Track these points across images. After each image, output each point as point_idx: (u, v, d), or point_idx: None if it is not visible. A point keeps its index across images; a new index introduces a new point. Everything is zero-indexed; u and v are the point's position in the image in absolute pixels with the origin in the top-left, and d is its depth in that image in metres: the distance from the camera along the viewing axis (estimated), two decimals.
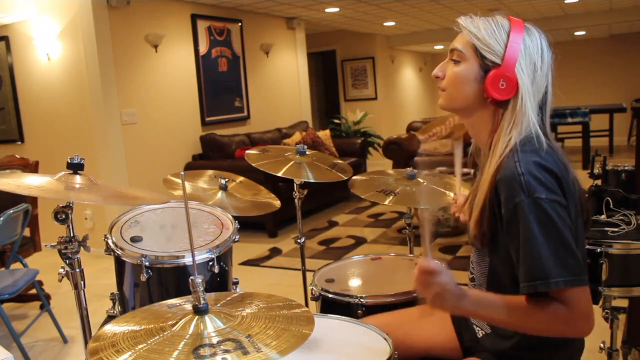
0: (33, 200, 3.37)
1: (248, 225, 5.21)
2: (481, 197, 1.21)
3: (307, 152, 2.32)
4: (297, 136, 6.44)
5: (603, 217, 1.85)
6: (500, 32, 1.21)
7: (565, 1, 7.21)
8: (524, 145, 1.18)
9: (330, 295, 1.71)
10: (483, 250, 1.29)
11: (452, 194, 2.06)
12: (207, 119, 5.79)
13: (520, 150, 1.16)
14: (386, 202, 2.00)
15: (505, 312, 1.14)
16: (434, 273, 1.17)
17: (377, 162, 8.20)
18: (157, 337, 0.94)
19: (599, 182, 2.19)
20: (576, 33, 9.91)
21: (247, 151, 2.30)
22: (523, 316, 1.13)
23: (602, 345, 1.75)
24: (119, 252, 1.64)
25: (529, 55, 1.20)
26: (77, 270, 1.50)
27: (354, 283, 1.86)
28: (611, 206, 1.90)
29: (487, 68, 1.21)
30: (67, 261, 1.48)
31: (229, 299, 1.11)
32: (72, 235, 1.48)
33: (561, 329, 1.12)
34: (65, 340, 3.12)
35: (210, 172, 2.32)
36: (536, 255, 1.09)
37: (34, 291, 3.38)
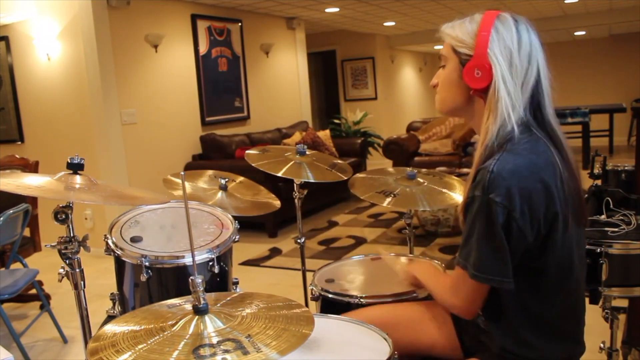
0: (33, 200, 3.37)
1: (248, 225, 5.21)
2: (468, 184, 1.25)
3: (307, 152, 2.31)
4: (297, 136, 6.44)
5: (603, 217, 1.85)
6: (471, 26, 1.25)
7: (565, 1, 7.21)
8: (513, 141, 1.18)
9: (330, 295, 1.71)
10: None
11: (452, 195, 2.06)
12: (207, 119, 5.79)
13: (508, 149, 1.17)
14: (385, 204, 2.00)
15: (432, 278, 1.44)
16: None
17: (377, 162, 8.20)
18: (157, 337, 0.94)
19: (599, 182, 2.19)
20: (576, 33, 9.91)
21: (247, 151, 2.30)
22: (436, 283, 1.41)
23: (602, 345, 1.75)
24: (119, 252, 1.64)
25: (502, 40, 1.20)
26: (77, 270, 1.50)
27: (354, 283, 1.86)
28: (611, 206, 1.90)
29: (464, 62, 1.24)
30: (67, 261, 1.48)
31: (229, 299, 1.11)
32: (72, 235, 1.48)
33: (441, 296, 1.35)
34: (65, 340, 3.12)
35: (210, 172, 2.32)
36: (467, 241, 1.22)
37: (34, 291, 3.38)
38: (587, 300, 1.39)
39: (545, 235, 1.18)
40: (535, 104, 1.23)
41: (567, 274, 1.23)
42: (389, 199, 2.01)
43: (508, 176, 1.14)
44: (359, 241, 4.92)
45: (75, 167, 1.52)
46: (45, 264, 3.36)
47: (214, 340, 0.91)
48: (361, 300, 1.65)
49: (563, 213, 1.18)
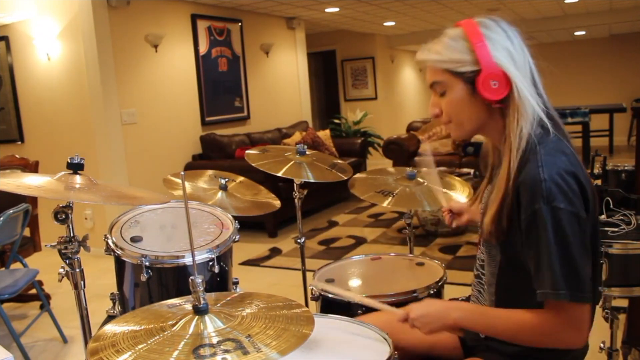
0: (33, 200, 3.37)
1: (248, 225, 5.21)
2: (499, 194, 1.20)
3: (307, 152, 2.31)
4: (297, 136, 6.44)
5: (603, 217, 1.85)
6: (459, 43, 1.20)
7: (565, 1, 7.21)
8: (543, 142, 1.16)
9: (330, 295, 1.71)
10: (495, 249, 1.28)
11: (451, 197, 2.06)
12: (207, 119, 5.79)
13: (544, 152, 1.15)
14: (385, 204, 2.00)
15: (505, 325, 1.20)
16: (409, 318, 1.27)
17: (377, 162, 8.20)
18: (157, 337, 0.94)
19: (599, 182, 2.19)
20: (576, 33, 9.91)
21: (247, 151, 2.30)
22: (521, 331, 1.17)
23: (602, 345, 1.75)
24: (119, 252, 1.64)
25: (497, 43, 1.18)
26: (77, 270, 1.50)
27: (354, 283, 1.86)
28: (611, 206, 1.90)
29: (471, 80, 1.20)
30: (67, 261, 1.48)
31: (229, 299, 1.11)
32: (72, 235, 1.48)
33: (551, 341, 1.15)
34: (65, 340, 3.12)
35: (210, 172, 2.32)
36: (544, 266, 1.11)
37: (34, 291, 3.38)
38: None
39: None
40: (539, 96, 1.22)
41: (594, 270, 1.21)
42: (388, 199, 2.01)
43: (562, 178, 1.11)
44: (359, 241, 4.92)
45: (75, 167, 1.52)
46: (45, 264, 3.36)
47: (214, 340, 0.91)
48: (363, 299, 1.64)
49: (593, 205, 1.18)
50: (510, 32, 1.21)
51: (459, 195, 2.05)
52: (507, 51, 1.19)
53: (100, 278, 3.66)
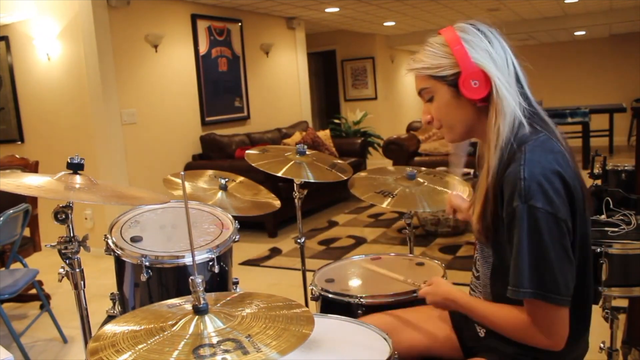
0: (33, 200, 3.37)
1: (248, 225, 5.21)
2: (482, 191, 1.22)
3: (307, 152, 2.31)
4: (297, 136, 6.44)
5: (603, 217, 1.85)
6: (439, 48, 1.25)
7: (565, 1, 7.21)
8: (530, 140, 1.17)
9: (330, 295, 1.71)
10: (488, 250, 1.29)
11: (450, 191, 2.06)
12: (207, 119, 5.79)
13: (529, 150, 1.16)
14: (384, 205, 2.00)
15: (487, 311, 1.26)
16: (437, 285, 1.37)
17: (377, 162, 8.20)
18: (157, 337, 0.94)
19: (599, 182, 2.20)
20: (576, 33, 9.91)
21: (247, 151, 2.30)
22: (495, 317, 1.23)
23: (602, 345, 1.75)
24: (119, 252, 1.64)
25: (476, 45, 1.21)
26: (77, 270, 1.50)
27: (354, 283, 1.86)
28: (611, 206, 1.90)
29: (454, 82, 1.23)
30: (67, 261, 1.48)
31: (229, 299, 1.11)
32: (72, 235, 1.48)
33: (522, 337, 1.19)
34: (65, 340, 3.12)
35: (210, 172, 2.32)
36: (518, 263, 1.13)
37: (34, 291, 3.38)
38: None
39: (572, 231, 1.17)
40: (523, 95, 1.23)
41: (584, 271, 1.22)
42: (388, 200, 2.01)
43: (544, 177, 1.11)
44: (359, 241, 4.92)
45: (75, 167, 1.52)
46: (45, 264, 3.36)
47: (214, 340, 0.91)
48: (361, 300, 1.65)
49: (581, 205, 1.17)
50: (489, 34, 1.23)
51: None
52: (486, 52, 1.21)
53: (100, 278, 3.66)
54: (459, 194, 1.78)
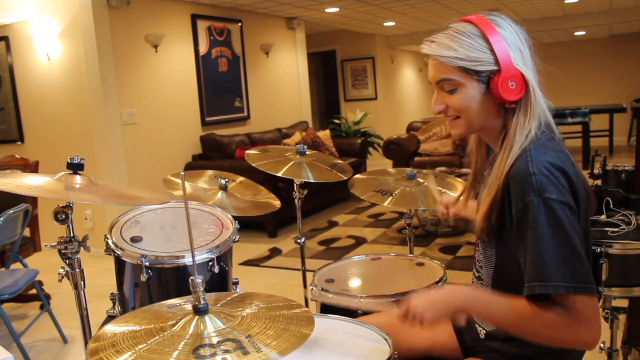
0: (33, 200, 3.37)
1: (248, 225, 5.21)
2: (491, 191, 1.19)
3: (307, 152, 2.32)
4: (297, 136, 6.44)
5: (603, 217, 1.85)
6: (476, 40, 1.17)
7: (565, 1, 7.21)
8: (537, 140, 1.17)
9: (330, 295, 1.71)
10: (490, 250, 1.28)
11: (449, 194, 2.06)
12: (207, 119, 5.79)
13: (532, 148, 1.15)
14: (385, 204, 2.00)
15: (506, 312, 1.13)
16: (410, 308, 1.17)
17: (377, 162, 8.20)
18: (157, 337, 0.94)
19: (599, 182, 2.19)
20: (576, 33, 9.91)
21: (247, 151, 2.30)
22: (523, 319, 1.11)
23: (602, 345, 1.75)
24: (119, 252, 1.64)
25: (512, 44, 1.18)
26: (77, 270, 1.50)
27: (354, 283, 1.86)
28: (611, 206, 1.90)
29: (487, 79, 1.18)
30: (67, 261, 1.48)
31: (229, 299, 1.11)
32: (72, 235, 1.48)
33: (560, 336, 1.09)
34: (65, 340, 3.12)
35: (210, 172, 2.32)
36: (540, 257, 1.08)
37: (34, 291, 3.38)
38: None
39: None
40: (545, 98, 1.22)
41: None
42: (389, 199, 2.01)
43: (550, 171, 1.10)
44: (359, 241, 4.92)
45: (75, 167, 1.52)
46: (45, 264, 3.36)
47: (214, 340, 0.91)
48: (361, 300, 1.65)
49: (584, 203, 1.17)
50: (519, 32, 1.20)
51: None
52: (520, 51, 1.18)
53: (100, 278, 3.66)
54: (444, 190, 1.77)
